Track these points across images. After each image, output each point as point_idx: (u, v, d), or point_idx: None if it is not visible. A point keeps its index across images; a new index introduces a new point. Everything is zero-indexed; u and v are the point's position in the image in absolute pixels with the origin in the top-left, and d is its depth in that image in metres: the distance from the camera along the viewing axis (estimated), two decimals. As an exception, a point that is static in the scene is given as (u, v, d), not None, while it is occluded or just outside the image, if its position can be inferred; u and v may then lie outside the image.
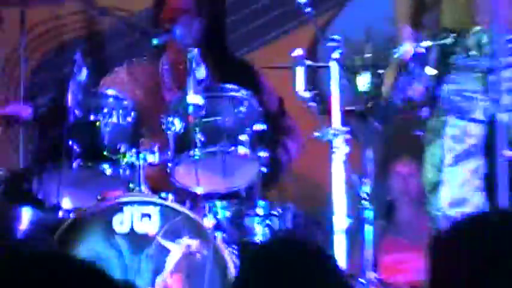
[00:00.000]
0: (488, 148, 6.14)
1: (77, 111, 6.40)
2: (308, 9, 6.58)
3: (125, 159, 6.32)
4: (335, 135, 6.31)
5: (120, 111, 6.45)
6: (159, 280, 6.12)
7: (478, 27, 6.08)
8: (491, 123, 6.05)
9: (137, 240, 6.17)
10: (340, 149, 6.34)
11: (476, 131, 6.11)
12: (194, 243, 6.13)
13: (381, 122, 6.39)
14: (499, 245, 3.44)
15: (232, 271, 6.13)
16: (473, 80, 6.13)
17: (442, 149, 6.04)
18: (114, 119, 6.41)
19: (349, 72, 6.66)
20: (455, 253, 3.47)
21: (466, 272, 3.36)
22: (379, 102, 6.42)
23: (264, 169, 6.55)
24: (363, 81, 6.62)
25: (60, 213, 6.36)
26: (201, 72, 6.37)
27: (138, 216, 6.15)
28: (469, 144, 6.13)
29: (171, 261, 6.12)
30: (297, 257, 3.71)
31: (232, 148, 6.31)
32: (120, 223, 6.12)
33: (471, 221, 3.88)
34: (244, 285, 3.71)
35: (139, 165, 6.32)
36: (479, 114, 6.09)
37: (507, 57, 6.03)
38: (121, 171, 6.35)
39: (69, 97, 6.44)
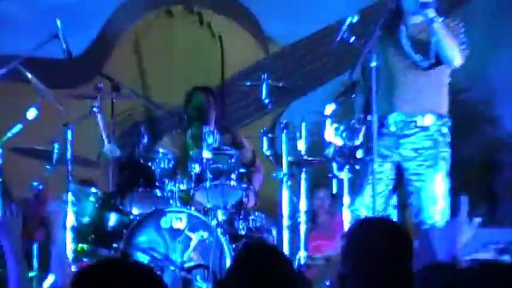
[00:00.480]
0: (397, 180, 6.31)
1: (141, 160, 6.98)
2: (269, 106, 6.83)
3: (168, 187, 6.80)
4: (284, 175, 6.59)
5: (166, 160, 6.89)
6: (185, 255, 6.55)
7: (395, 113, 6.21)
8: (398, 166, 6.25)
9: (174, 232, 6.59)
10: (286, 182, 6.59)
11: (389, 169, 6.24)
12: (205, 234, 6.56)
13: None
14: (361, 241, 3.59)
15: (226, 250, 6.52)
16: (390, 141, 6.18)
17: (371, 177, 6.02)
18: (162, 165, 6.86)
19: (292, 139, 6.77)
20: (349, 242, 3.65)
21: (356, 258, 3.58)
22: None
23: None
24: (301, 145, 6.69)
25: (131, 217, 6.82)
26: (211, 139, 6.83)
27: (175, 218, 6.61)
28: (385, 176, 6.25)
29: (192, 244, 6.55)
30: (263, 248, 3.78)
31: (227, 182, 6.82)
32: (165, 222, 6.61)
33: (359, 223, 4.20)
34: (235, 271, 3.62)
35: (176, 191, 6.78)
36: (393, 159, 6.23)
37: (409, 130, 6.16)
38: (165, 193, 6.80)
39: (137, 152, 7.01)
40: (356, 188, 6.37)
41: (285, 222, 6.73)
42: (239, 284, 3.44)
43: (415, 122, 6.22)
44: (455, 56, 6.07)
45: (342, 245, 3.69)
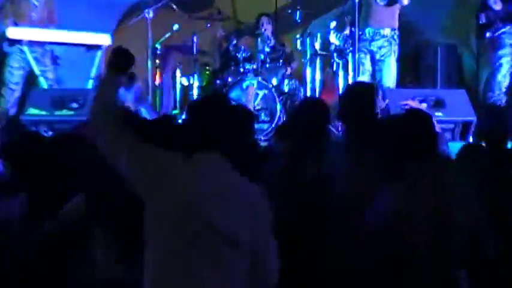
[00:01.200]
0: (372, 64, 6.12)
1: (232, 52, 6.81)
2: (300, 23, 6.90)
3: (246, 66, 6.74)
4: (307, 61, 6.82)
5: (245, 52, 6.81)
6: (256, 102, 6.57)
7: (369, 27, 6.13)
8: (372, 56, 6.13)
9: (248, 91, 6.61)
10: (309, 65, 6.79)
11: (368, 58, 6.18)
12: (266, 91, 6.59)
13: None
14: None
15: (277, 101, 6.46)
16: (367, 42, 6.15)
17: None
18: (243, 55, 6.77)
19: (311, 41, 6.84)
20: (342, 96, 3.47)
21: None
22: None
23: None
24: (317, 44, 6.79)
25: (228, 81, 6.67)
26: (269, 41, 6.90)
27: (250, 83, 6.61)
28: (367, 62, 6.15)
29: (259, 97, 6.61)
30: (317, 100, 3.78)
31: (277, 64, 6.86)
32: (245, 85, 6.60)
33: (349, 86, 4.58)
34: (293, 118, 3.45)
35: (251, 69, 6.70)
36: (369, 52, 6.14)
37: (377, 36, 6.07)
38: (245, 70, 6.71)
39: (230, 48, 6.90)
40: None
41: (308, 86, 6.90)
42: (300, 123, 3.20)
43: (380, 32, 6.19)
44: None
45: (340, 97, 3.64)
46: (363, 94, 3.30)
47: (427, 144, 2.73)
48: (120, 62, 2.38)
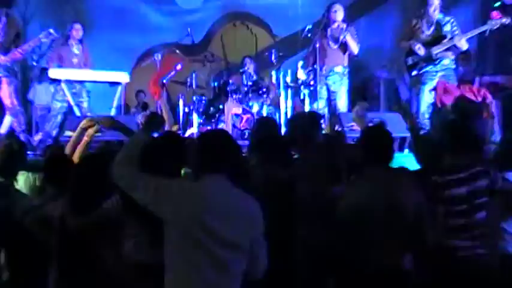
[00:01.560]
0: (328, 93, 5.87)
1: (223, 85, 6.63)
2: (275, 63, 6.74)
3: (234, 96, 6.55)
4: (280, 92, 6.67)
5: (232, 85, 6.60)
6: (241, 124, 6.36)
7: (325, 65, 5.88)
8: (328, 88, 5.93)
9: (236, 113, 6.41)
10: (282, 94, 6.68)
11: (325, 89, 5.95)
12: (249, 116, 6.30)
13: None
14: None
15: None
16: (324, 77, 5.92)
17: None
18: (232, 88, 6.61)
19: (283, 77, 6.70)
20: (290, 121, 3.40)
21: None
22: None
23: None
24: (288, 79, 6.59)
25: (220, 108, 6.52)
26: (251, 76, 6.70)
27: (237, 109, 6.45)
28: (324, 91, 5.90)
29: (244, 119, 6.38)
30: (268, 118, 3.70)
31: (258, 93, 6.58)
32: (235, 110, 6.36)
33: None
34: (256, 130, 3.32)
35: (237, 98, 6.56)
36: (325, 84, 5.94)
37: (332, 72, 5.88)
38: (233, 98, 6.53)
39: (221, 82, 6.71)
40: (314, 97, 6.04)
41: (282, 111, 6.65)
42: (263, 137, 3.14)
43: (333, 69, 6.01)
44: (356, 50, 5.93)
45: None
46: (300, 122, 3.24)
47: (384, 152, 2.70)
48: (155, 124, 2.46)
